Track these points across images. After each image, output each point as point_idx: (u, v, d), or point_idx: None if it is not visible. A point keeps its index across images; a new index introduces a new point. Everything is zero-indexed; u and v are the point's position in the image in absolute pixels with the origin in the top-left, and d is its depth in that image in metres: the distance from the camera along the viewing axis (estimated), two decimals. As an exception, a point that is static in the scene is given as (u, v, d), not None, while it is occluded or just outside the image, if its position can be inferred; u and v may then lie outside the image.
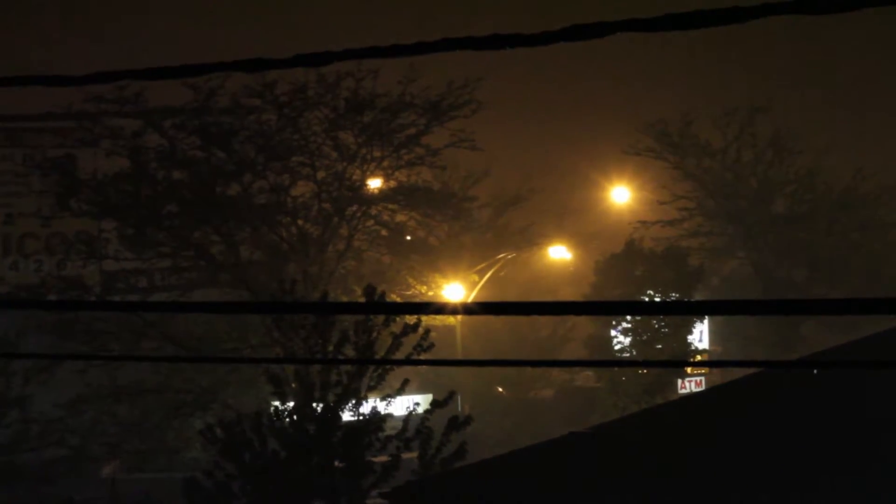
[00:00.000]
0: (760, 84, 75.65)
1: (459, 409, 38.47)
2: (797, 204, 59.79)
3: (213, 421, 26.41)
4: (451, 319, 41.63)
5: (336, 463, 24.32)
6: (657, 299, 43.41)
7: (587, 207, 59.26)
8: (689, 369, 47.12)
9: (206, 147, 36.82)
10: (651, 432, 19.94)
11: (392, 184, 39.44)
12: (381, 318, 24.66)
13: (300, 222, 37.78)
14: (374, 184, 39.26)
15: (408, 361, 24.28)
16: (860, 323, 35.95)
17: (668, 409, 24.53)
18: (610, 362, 45.16)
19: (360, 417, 24.50)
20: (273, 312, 27.48)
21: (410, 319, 25.42)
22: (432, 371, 44.85)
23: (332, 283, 36.50)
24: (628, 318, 44.04)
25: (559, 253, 53.01)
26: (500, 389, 53.97)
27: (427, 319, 26.26)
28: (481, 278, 46.79)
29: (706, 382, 47.80)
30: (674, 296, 43.75)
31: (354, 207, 38.51)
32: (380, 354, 24.66)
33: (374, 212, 39.60)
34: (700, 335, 49.08)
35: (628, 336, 44.82)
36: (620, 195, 57.32)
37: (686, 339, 45.50)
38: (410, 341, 24.94)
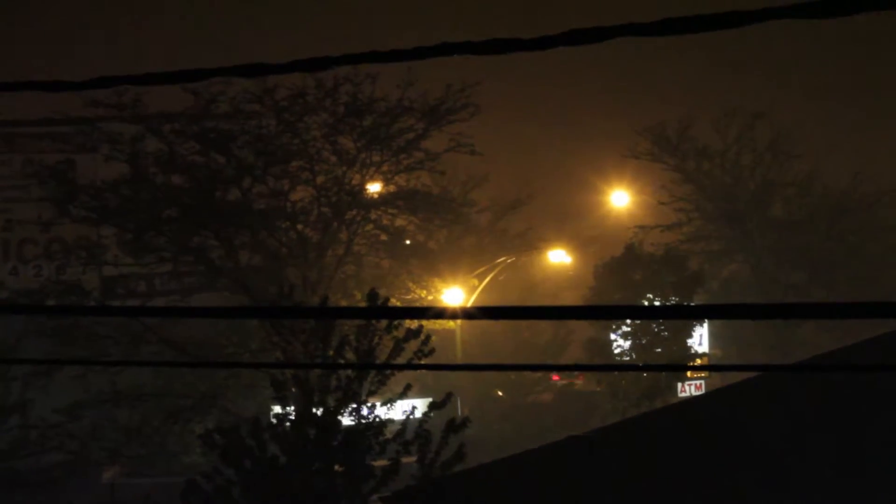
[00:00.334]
0: (759, 87, 75.60)
1: (458, 411, 38.51)
2: (796, 207, 59.85)
3: (212, 426, 26.41)
4: (450, 324, 41.61)
5: (336, 467, 24.32)
6: (657, 303, 43.41)
7: (586, 211, 59.36)
8: (688, 373, 47.10)
9: (205, 152, 36.82)
10: (651, 436, 19.93)
11: (391, 188, 39.45)
12: (383, 323, 24.67)
13: (299, 227, 37.78)
14: (374, 188, 39.27)
15: (407, 366, 24.24)
16: (859, 326, 35.95)
17: (668, 413, 24.52)
18: (609, 366, 45.16)
19: (361, 422, 24.49)
20: (272, 317, 27.49)
21: (413, 325, 25.43)
22: (432, 375, 44.86)
23: (331, 287, 36.50)
24: (628, 321, 44.03)
25: (559, 257, 53.04)
26: (500, 393, 53.98)
27: (427, 324, 26.26)
28: (481, 282, 46.81)
29: (706, 386, 47.79)
30: (673, 299, 43.74)
31: (354, 212, 38.50)
32: (381, 359, 24.66)
33: (373, 216, 39.60)
34: (700, 338, 49.05)
35: (628, 340, 44.80)
36: (620, 199, 57.41)
37: (686, 343, 45.48)
38: (412, 346, 24.93)
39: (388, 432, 24.59)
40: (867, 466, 17.49)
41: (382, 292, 27.80)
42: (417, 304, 38.66)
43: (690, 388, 48.04)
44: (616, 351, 45.05)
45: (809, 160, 58.76)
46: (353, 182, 38.22)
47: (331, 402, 24.39)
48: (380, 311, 27.46)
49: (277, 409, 25.33)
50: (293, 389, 25.60)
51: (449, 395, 25.50)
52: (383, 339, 24.86)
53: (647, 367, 48.41)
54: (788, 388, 18.76)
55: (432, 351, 25.02)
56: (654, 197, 58.87)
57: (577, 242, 54.55)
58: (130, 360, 33.98)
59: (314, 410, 24.42)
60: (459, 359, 44.81)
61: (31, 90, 5.84)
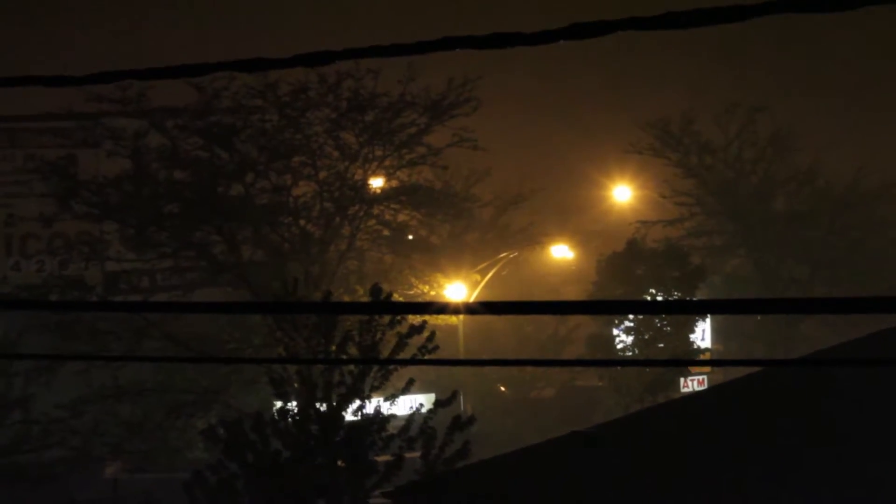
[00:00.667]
0: (762, 81, 75.55)
1: (462, 408, 38.50)
2: (798, 202, 59.81)
3: (214, 421, 26.42)
4: (453, 319, 41.60)
5: (339, 462, 24.33)
6: (659, 298, 43.38)
7: (589, 206, 59.31)
8: (691, 368, 47.11)
9: (208, 147, 36.84)
10: (653, 431, 19.95)
11: (394, 183, 39.44)
12: (386, 318, 24.64)
13: (302, 222, 37.78)
14: (376, 183, 39.26)
15: (409, 361, 24.27)
16: (861, 321, 35.93)
17: (671, 408, 24.54)
18: (612, 361, 45.15)
19: (363, 417, 24.50)
20: (275, 312, 27.49)
21: (416, 320, 25.42)
22: (434, 370, 44.86)
23: (334, 282, 36.50)
24: (630, 316, 44.02)
25: (561, 252, 53.05)
26: (503, 388, 53.98)
27: (429, 319, 26.25)
28: (483, 277, 46.80)
29: (708, 381, 47.79)
30: (676, 294, 43.73)
31: (356, 207, 38.50)
32: (384, 355, 24.66)
33: (375, 211, 39.60)
34: (702, 333, 49.08)
35: (630, 335, 44.80)
36: (622, 194, 57.37)
37: (688, 338, 45.50)
38: (415, 342, 24.93)
39: (391, 428, 24.61)
40: (869, 461, 17.49)
41: (385, 287, 27.81)
42: (420, 300, 38.64)
43: (693, 383, 48.05)
44: (618, 346, 45.05)
45: (812, 154, 58.78)
46: (356, 177, 38.22)
47: (333, 397, 24.40)
48: (382, 306, 27.45)
49: (280, 404, 25.35)
50: (295, 385, 25.61)
51: (455, 394, 25.52)
52: (386, 335, 24.86)
53: (649, 363, 48.41)
54: (790, 383, 18.78)
55: (436, 347, 25.02)
56: (656, 192, 58.91)
57: (580, 237, 54.55)
58: (132, 356, 33.95)
59: (317, 406, 24.43)
60: (462, 354, 44.79)
61: (33, 85, 5.83)
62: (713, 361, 59.57)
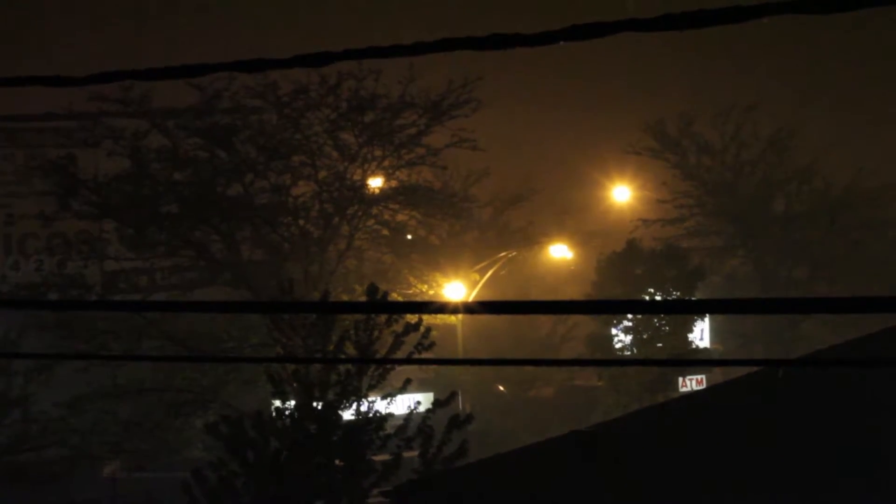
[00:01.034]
0: (761, 82, 75.53)
1: (461, 407, 38.50)
2: (797, 202, 59.81)
3: (214, 419, 26.42)
4: (452, 318, 41.61)
5: (337, 462, 24.33)
6: (658, 298, 43.38)
7: (588, 206, 59.29)
8: (690, 367, 47.08)
9: (207, 147, 36.86)
10: (652, 431, 19.94)
11: (393, 183, 39.46)
12: (383, 317, 24.65)
13: (301, 222, 37.80)
14: (375, 183, 39.28)
15: (408, 360, 24.29)
16: (861, 321, 35.92)
17: (670, 408, 24.52)
18: (611, 361, 45.13)
19: (361, 416, 24.50)
20: (273, 311, 27.50)
21: (412, 318, 25.43)
22: (433, 369, 44.87)
23: (332, 282, 36.52)
24: (629, 316, 44.01)
25: (560, 252, 53.04)
26: (501, 388, 53.95)
27: (428, 318, 26.27)
28: (482, 277, 46.79)
29: (707, 381, 47.77)
30: (675, 294, 43.73)
31: (355, 207, 38.53)
32: (381, 354, 24.66)
33: (374, 211, 39.62)
34: (701, 333, 49.07)
35: (629, 334, 44.79)
36: (621, 194, 57.38)
37: (687, 338, 45.48)
38: (412, 340, 24.94)
39: (389, 427, 24.61)
40: (869, 461, 17.49)
41: (384, 287, 27.82)
42: (419, 299, 38.66)
43: (692, 382, 48.02)
44: (617, 346, 45.05)
45: (811, 155, 58.72)
46: (355, 177, 38.24)
47: (331, 396, 24.40)
48: (382, 305, 27.46)
49: (278, 403, 25.35)
50: (293, 384, 25.62)
51: (453, 394, 25.53)
52: (383, 334, 24.87)
53: (648, 362, 48.40)
54: (790, 383, 18.77)
55: (432, 344, 25.03)
56: (655, 192, 58.90)
57: (579, 237, 54.51)
58: (131, 355, 34.01)
59: (314, 405, 24.43)
60: (461, 353, 44.79)
61: (32, 85, 5.84)
62: (713, 361, 59.54)
